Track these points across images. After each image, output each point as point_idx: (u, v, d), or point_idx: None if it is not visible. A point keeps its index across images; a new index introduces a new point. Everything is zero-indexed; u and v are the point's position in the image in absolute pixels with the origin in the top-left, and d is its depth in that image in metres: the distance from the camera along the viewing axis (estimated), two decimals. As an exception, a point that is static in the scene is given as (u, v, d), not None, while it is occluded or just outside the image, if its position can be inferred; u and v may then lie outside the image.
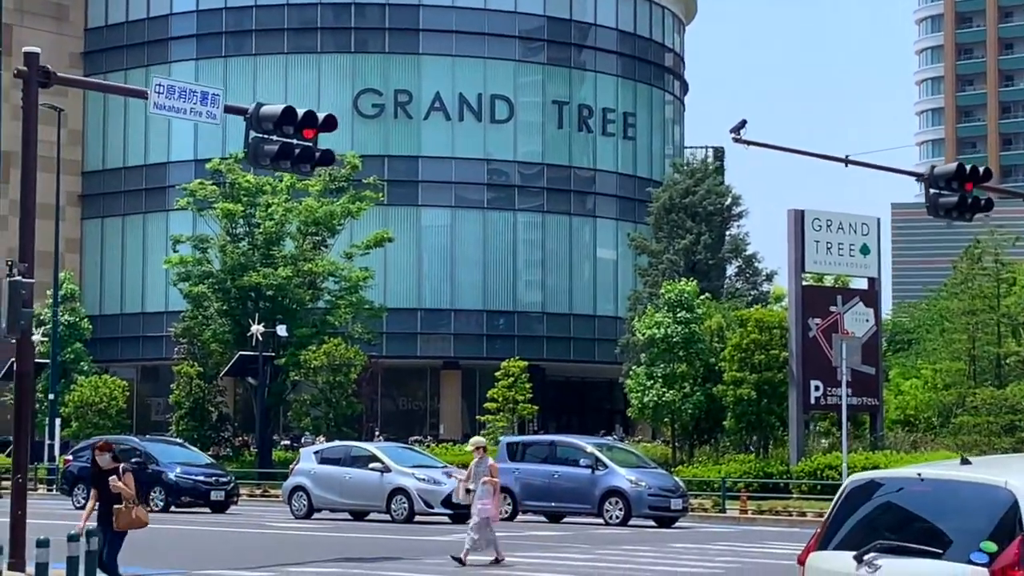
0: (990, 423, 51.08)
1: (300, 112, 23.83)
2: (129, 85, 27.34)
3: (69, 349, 62.32)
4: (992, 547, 8.63)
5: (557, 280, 70.97)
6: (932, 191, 27.78)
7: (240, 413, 63.65)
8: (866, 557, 9.09)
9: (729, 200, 65.00)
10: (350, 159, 58.72)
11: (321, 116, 24.21)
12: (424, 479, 35.41)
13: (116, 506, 17.41)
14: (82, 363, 62.79)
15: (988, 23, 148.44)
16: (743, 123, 30.43)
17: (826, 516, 9.89)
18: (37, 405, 56.83)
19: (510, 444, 39.07)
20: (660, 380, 50.09)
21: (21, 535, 21.23)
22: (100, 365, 64.88)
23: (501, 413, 55.66)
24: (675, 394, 49.58)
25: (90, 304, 70.19)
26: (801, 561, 9.71)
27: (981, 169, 27.77)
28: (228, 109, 24.80)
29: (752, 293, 62.15)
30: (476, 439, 25.99)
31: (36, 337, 58.66)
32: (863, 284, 47.23)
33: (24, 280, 21.61)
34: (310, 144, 24.07)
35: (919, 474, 9.72)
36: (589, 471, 35.81)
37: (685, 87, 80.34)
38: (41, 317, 58.27)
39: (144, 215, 71.11)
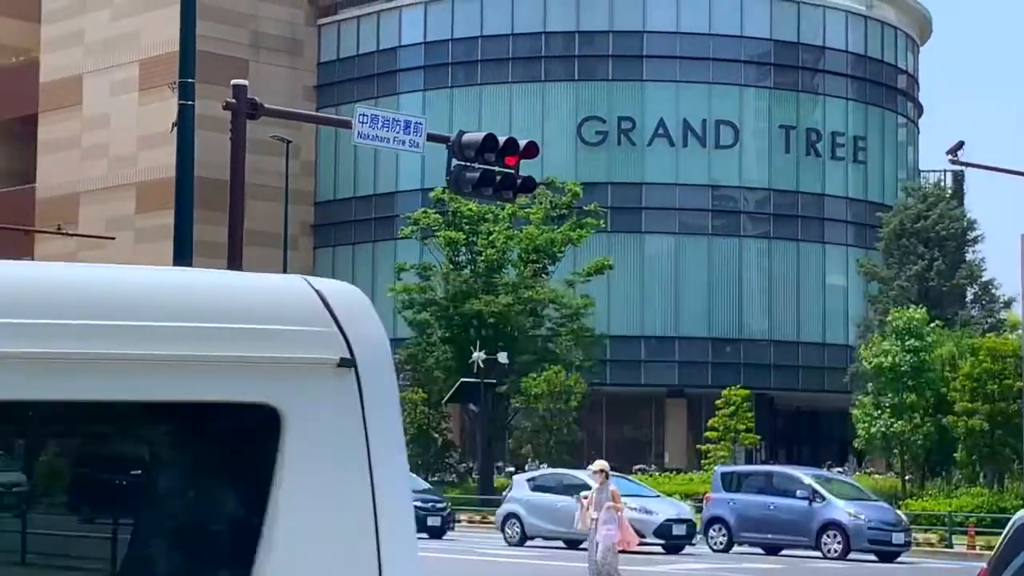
0: None
1: (501, 140, 23.93)
2: (333, 116, 27.67)
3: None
4: None
5: (784, 307, 69.91)
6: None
7: (465, 439, 63.93)
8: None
9: (964, 224, 63.43)
10: (571, 187, 58.97)
11: (522, 143, 24.26)
12: (637, 508, 35.09)
13: None
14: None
15: None
16: (960, 144, 29.70)
17: (993, 554, 9.48)
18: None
19: (724, 474, 38.64)
20: (888, 410, 49.10)
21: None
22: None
23: (722, 442, 55.00)
24: (904, 425, 48.56)
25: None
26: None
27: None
28: (431, 137, 25.05)
29: (988, 321, 60.41)
30: (598, 463, 25.48)
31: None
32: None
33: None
34: (511, 171, 24.13)
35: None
36: (806, 503, 35.20)
37: (920, 109, 78.67)
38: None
39: (373, 244, 72.13)
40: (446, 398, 56.37)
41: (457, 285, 56.44)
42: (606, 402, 67.73)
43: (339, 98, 72.84)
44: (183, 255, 19.77)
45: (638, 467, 61.67)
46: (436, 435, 58.15)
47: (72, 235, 65.15)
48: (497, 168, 23.93)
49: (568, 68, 70.32)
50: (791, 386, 69.74)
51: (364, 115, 24.22)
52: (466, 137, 24.05)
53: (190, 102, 18.24)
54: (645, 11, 70.03)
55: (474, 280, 56.43)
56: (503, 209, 56.29)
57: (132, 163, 68.11)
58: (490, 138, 23.88)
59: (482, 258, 56.48)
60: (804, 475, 37.11)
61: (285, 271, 58.35)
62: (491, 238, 56.21)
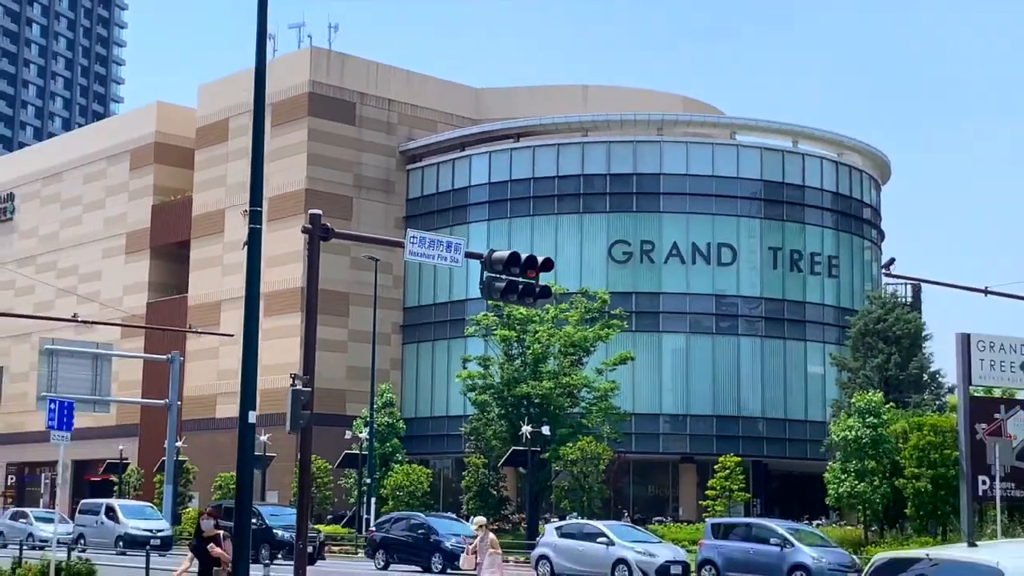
0: None
1: (523, 256, 23.95)
2: (392, 238, 27.61)
3: (388, 444, 63.45)
4: (985, 619, 7.91)
5: (774, 391, 69.51)
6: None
7: (517, 496, 63.49)
8: (879, 623, 8.44)
9: (917, 326, 62.87)
10: (601, 295, 59.31)
11: (540, 259, 24.25)
12: (642, 552, 34.81)
13: (216, 568, 15.89)
14: (397, 455, 63.74)
15: None
16: (892, 261, 29.65)
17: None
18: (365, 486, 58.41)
19: (714, 525, 38.18)
20: (852, 474, 48.56)
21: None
22: (412, 456, 65.78)
23: (719, 499, 54.52)
24: (865, 486, 47.94)
25: (407, 409, 71.58)
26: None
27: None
28: (468, 255, 25.11)
29: (936, 403, 59.71)
30: (478, 519, 25.14)
31: (363, 434, 60.42)
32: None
33: (303, 389, 21.99)
34: (532, 281, 24.11)
35: (927, 555, 9.02)
36: (779, 548, 34.80)
37: (882, 234, 78.29)
38: (366, 419, 60.08)
39: (448, 340, 72.29)
40: (501, 462, 56.37)
41: (510, 373, 56.70)
42: (632, 466, 67.33)
43: (423, 226, 73.07)
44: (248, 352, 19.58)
45: (657, 518, 61.39)
46: (494, 492, 57.97)
47: (214, 334, 66.06)
48: (520, 279, 23.91)
49: (601, 202, 70.60)
50: (780, 454, 69.31)
51: (414, 236, 24.27)
52: (495, 255, 24.14)
53: (258, 226, 18.30)
54: (662, 158, 70.54)
55: (523, 368, 56.69)
56: (547, 312, 56.59)
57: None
58: (514, 255, 23.96)
59: (530, 351, 56.75)
60: (777, 526, 36.70)
61: (373, 363, 58.92)
62: (537, 335, 56.54)
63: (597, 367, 57.90)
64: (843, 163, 74.04)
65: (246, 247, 18.53)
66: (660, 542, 37.38)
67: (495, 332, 57.28)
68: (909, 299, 70.10)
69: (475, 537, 22.12)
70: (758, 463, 68.17)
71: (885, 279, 69.56)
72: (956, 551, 8.96)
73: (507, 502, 60.47)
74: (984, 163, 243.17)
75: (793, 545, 34.63)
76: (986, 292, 30.21)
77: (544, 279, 24.52)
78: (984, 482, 40.31)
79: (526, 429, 53.75)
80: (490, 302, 55.66)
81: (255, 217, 18.29)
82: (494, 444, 56.77)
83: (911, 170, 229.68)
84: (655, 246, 69.32)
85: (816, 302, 71.21)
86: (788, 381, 69.99)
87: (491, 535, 22.19)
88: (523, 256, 24.05)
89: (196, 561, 15.58)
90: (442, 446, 69.41)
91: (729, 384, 69.04)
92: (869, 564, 9.35)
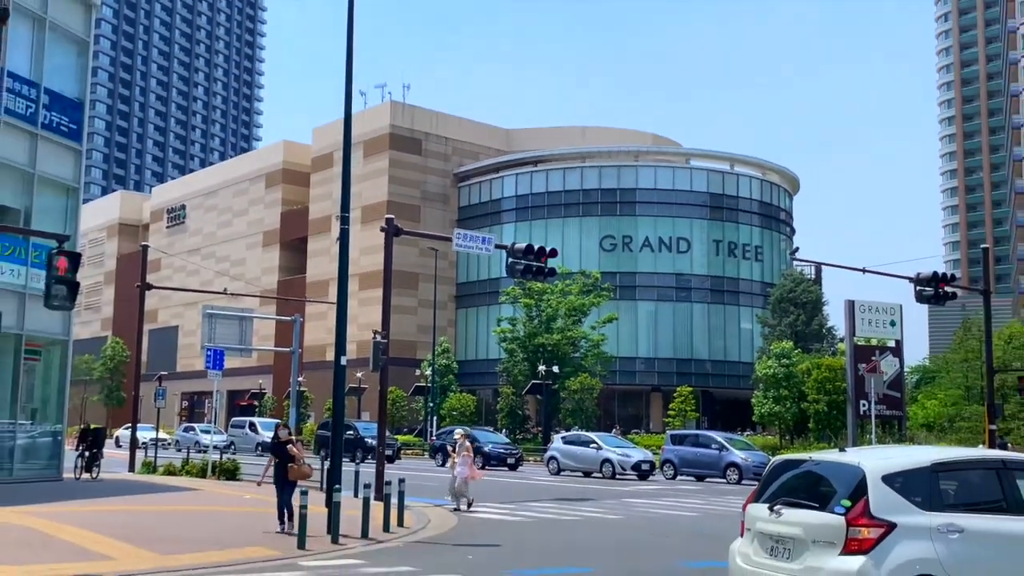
0: (975, 426, 47.50)
1: (536, 247, 23.81)
2: (443, 234, 27.63)
3: (445, 379, 63.45)
4: (848, 503, 7.84)
5: (717, 341, 69.08)
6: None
7: (537, 415, 63.41)
8: (774, 507, 8.35)
9: (817, 295, 62.25)
10: (595, 274, 58.83)
11: (548, 249, 24.08)
12: (621, 454, 34.65)
13: (290, 464, 15.48)
14: (452, 387, 63.78)
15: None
16: (796, 249, 29.59)
17: (760, 481, 9.12)
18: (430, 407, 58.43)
19: (672, 435, 37.93)
20: (771, 400, 48.16)
21: (380, 479, 21.52)
22: (464, 387, 65.72)
23: (677, 418, 54.25)
24: (780, 408, 47.57)
25: (460, 354, 71.54)
26: (743, 508, 8.96)
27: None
28: (497, 246, 24.92)
29: (831, 350, 59.09)
30: (458, 431, 24.49)
31: (428, 372, 60.49)
32: (892, 344, 44.52)
33: (381, 341, 22.02)
34: (542, 265, 23.93)
35: (810, 457, 8.91)
36: (718, 451, 34.52)
37: (793, 231, 77.52)
38: (430, 361, 60.09)
39: (488, 307, 72.03)
40: (524, 391, 56.25)
41: (530, 329, 56.41)
42: (616, 394, 67.06)
43: (470, 227, 72.13)
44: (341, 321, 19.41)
45: (634, 430, 61.02)
46: (520, 412, 57.94)
47: (323, 302, 66.19)
48: (534, 263, 23.76)
49: (595, 209, 70.11)
50: (722, 386, 68.78)
51: (459, 233, 24.16)
52: (516, 246, 23.98)
53: (347, 227, 18.28)
54: (637, 177, 70.02)
55: (539, 326, 56.34)
56: (556, 286, 56.23)
57: (356, 263, 68.40)
58: (529, 247, 23.82)
59: (544, 314, 56.39)
60: (717, 436, 36.42)
61: (435, 322, 58.79)
62: (549, 303, 56.14)
63: (591, 325, 57.60)
64: (766, 180, 73.26)
65: (338, 241, 18.50)
66: (635, 447, 37.15)
67: (520, 300, 57.01)
68: (813, 276, 69.34)
69: (455, 443, 21.88)
70: (706, 392, 67.65)
71: (794, 262, 68.95)
72: (831, 455, 8.86)
73: (528, 420, 60.42)
74: (867, 176, 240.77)
75: (728, 449, 34.42)
76: (864, 271, 29.75)
77: (552, 263, 24.21)
78: (864, 405, 40.06)
79: (541, 368, 53.58)
80: (516, 280, 55.72)
81: (344, 221, 18.26)
82: (520, 379, 56.67)
83: (816, 182, 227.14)
84: (633, 239, 68.84)
85: (747, 278, 70.57)
86: (727, 334, 69.47)
87: (467, 443, 21.86)
88: (535, 247, 23.89)
89: (275, 459, 15.81)
90: (484, 381, 69.35)
91: (685, 336, 68.59)
92: (769, 464, 9.26)
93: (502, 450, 39.23)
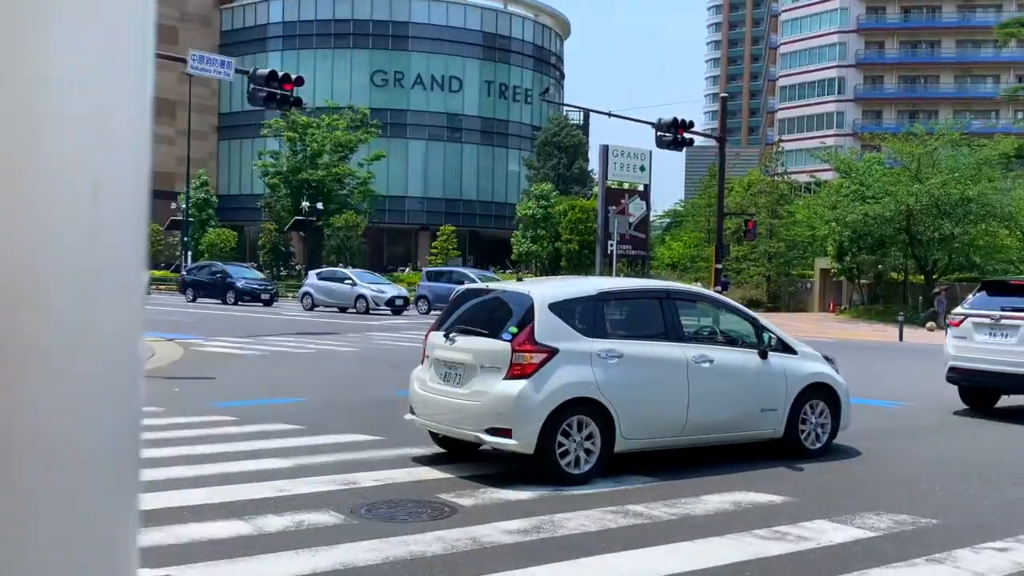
0: (711, 265, 50.89)
1: (280, 74, 22.58)
2: (177, 55, 25.07)
3: (204, 212, 60.96)
4: (515, 330, 7.96)
5: (486, 182, 69.89)
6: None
7: (303, 253, 62.55)
8: (449, 334, 8.39)
9: (579, 140, 63.73)
10: (363, 110, 57.27)
11: (295, 77, 22.88)
12: (376, 290, 34.66)
13: None
14: (211, 221, 61.39)
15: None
16: (547, 89, 29.68)
17: (443, 310, 9.17)
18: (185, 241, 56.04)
19: (427, 272, 38.38)
20: (529, 239, 49.56)
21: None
22: (227, 223, 63.40)
23: (439, 257, 54.87)
24: (537, 247, 49.11)
25: (222, 188, 68.78)
26: (426, 336, 8.98)
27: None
28: (238, 71, 23.51)
29: (590, 193, 61.06)
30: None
31: (184, 206, 57.80)
32: (641, 188, 46.41)
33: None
34: (288, 93, 22.73)
35: (488, 286, 9.03)
36: (461, 284, 35.15)
37: (563, 75, 78.44)
38: (189, 195, 57.39)
39: (252, 140, 68.76)
40: (287, 228, 54.78)
41: (294, 164, 54.50)
42: (386, 233, 66.89)
43: (233, 54, 68.39)
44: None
45: (401, 268, 61.28)
46: (283, 249, 56.59)
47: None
48: (278, 91, 22.53)
49: (366, 41, 67.87)
50: (488, 226, 69.93)
51: (195, 55, 22.51)
52: (259, 72, 22.68)
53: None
54: (411, 10, 67.91)
55: (304, 161, 54.51)
56: (323, 120, 54.46)
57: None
58: (272, 73, 22.57)
59: (309, 149, 54.49)
60: (469, 272, 36.94)
61: (189, 152, 55.74)
62: (314, 137, 54.23)
63: (359, 162, 56.41)
64: (539, 22, 73.10)
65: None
66: (390, 283, 37.19)
67: (283, 134, 54.76)
68: (581, 122, 70.69)
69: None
70: (474, 232, 68.72)
71: (564, 107, 70.04)
72: (508, 284, 8.99)
73: (293, 257, 59.24)
74: (637, 26, 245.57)
75: (475, 281, 35.08)
76: (609, 115, 30.45)
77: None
78: (611, 245, 41.82)
79: (305, 204, 52.29)
80: (283, 112, 53.37)
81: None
82: (283, 215, 55.10)
83: (588, 28, 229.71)
84: (405, 76, 67.43)
85: (516, 121, 71.15)
86: (495, 175, 70.30)
87: None
88: (280, 74, 22.63)
89: None
90: (248, 216, 67.22)
91: (455, 176, 68.86)
92: (453, 293, 9.29)
93: (256, 286, 38.27)
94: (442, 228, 56.03)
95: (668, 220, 79.41)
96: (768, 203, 51.74)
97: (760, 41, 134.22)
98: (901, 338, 28.93)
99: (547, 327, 7.95)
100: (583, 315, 8.17)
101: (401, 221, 68.14)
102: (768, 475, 8.50)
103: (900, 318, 30.68)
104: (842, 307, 46.86)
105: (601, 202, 43.46)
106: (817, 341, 29.23)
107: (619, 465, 8.40)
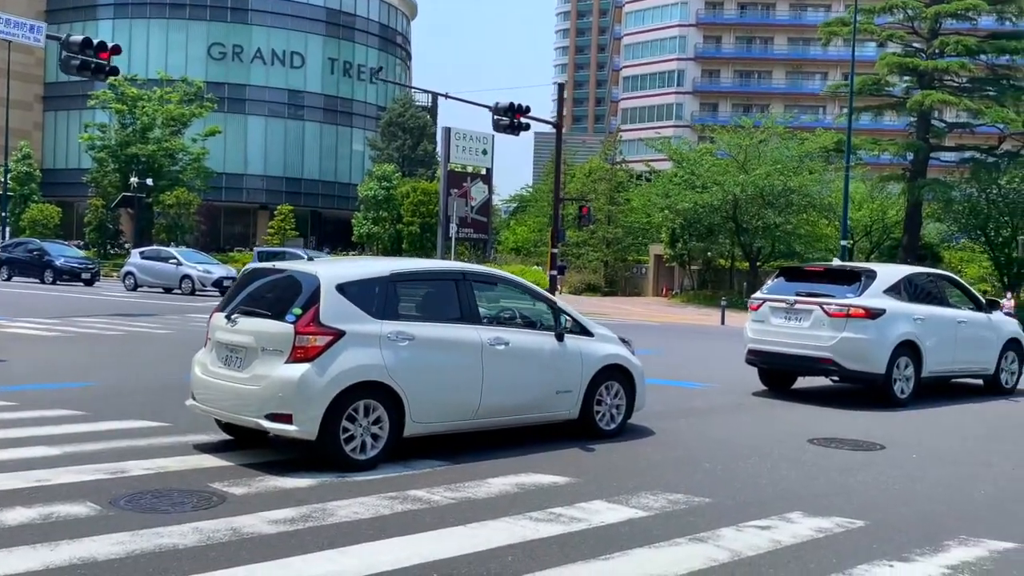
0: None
1: (95, 41, 21.31)
2: None
3: (26, 187, 57.49)
4: (299, 311, 7.67)
5: (329, 161, 68.59)
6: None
7: (132, 231, 59.82)
8: (232, 316, 8.03)
9: (425, 121, 63.33)
10: (197, 83, 55.14)
11: (111, 45, 21.64)
12: (203, 270, 33.44)
13: None
14: (34, 196, 57.95)
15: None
16: (379, 68, 29.28)
17: (229, 290, 8.77)
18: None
19: (259, 252, 37.32)
20: (371, 221, 48.93)
21: None
22: (52, 198, 60.02)
23: (275, 237, 53.61)
24: (379, 229, 48.54)
25: (47, 162, 65.08)
26: (210, 317, 8.57)
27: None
28: (49, 37, 22.09)
29: (433, 175, 60.81)
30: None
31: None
32: (484, 172, 46.51)
33: None
34: (103, 62, 21.48)
35: (274, 265, 8.70)
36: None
37: (409, 56, 77.75)
38: (8, 168, 53.99)
39: (80, 111, 65.25)
40: (114, 204, 52.19)
41: (123, 137, 51.93)
42: (223, 211, 64.84)
43: (61, 20, 65.24)
44: None
45: (238, 248, 59.51)
46: (110, 226, 53.97)
47: None
48: (93, 60, 21.25)
49: (203, 12, 65.40)
50: (331, 206, 68.85)
51: (0, 18, 20.95)
52: (72, 38, 21.33)
53: None
54: (254, -19, 65.98)
55: (133, 135, 52.02)
56: (155, 93, 52.14)
57: None
58: (87, 40, 21.30)
59: (139, 122, 52.01)
60: (301, 252, 36.19)
61: (7, 123, 52.34)
62: (146, 110, 51.83)
63: (193, 137, 54.31)
64: (384, 1, 72.19)
65: None
66: (219, 264, 35.95)
67: (111, 106, 52.09)
68: (429, 104, 70.25)
69: None
70: (316, 212, 67.49)
71: (410, 89, 69.44)
72: (296, 264, 8.70)
73: (121, 235, 56.61)
74: (487, 10, 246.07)
75: (303, 258, 34.40)
76: (446, 96, 30.28)
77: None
78: (453, 228, 41.78)
79: (134, 180, 49.93)
80: (108, 82, 50.83)
81: None
82: (110, 191, 52.47)
83: (438, 12, 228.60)
84: (244, 50, 65.36)
85: (361, 100, 70.14)
86: (338, 155, 69.16)
87: None
88: (96, 41, 21.36)
89: None
90: (74, 192, 63.79)
91: (296, 155, 67.36)
92: (239, 273, 8.92)
93: (76, 264, 36.38)
94: (279, 208, 54.68)
95: (515, 205, 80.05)
96: (607, 190, 52.81)
97: (607, 31, 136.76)
98: (723, 322, 30.01)
99: (334, 308, 7.69)
100: (374, 296, 7.95)
101: (239, 200, 66.17)
102: (559, 456, 8.52)
103: (723, 303, 31.81)
104: (674, 292, 48.35)
105: (443, 185, 43.32)
106: (645, 325, 30.08)
107: (412, 449, 8.26)
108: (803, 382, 14.22)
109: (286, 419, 7.48)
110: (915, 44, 45.61)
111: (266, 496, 6.80)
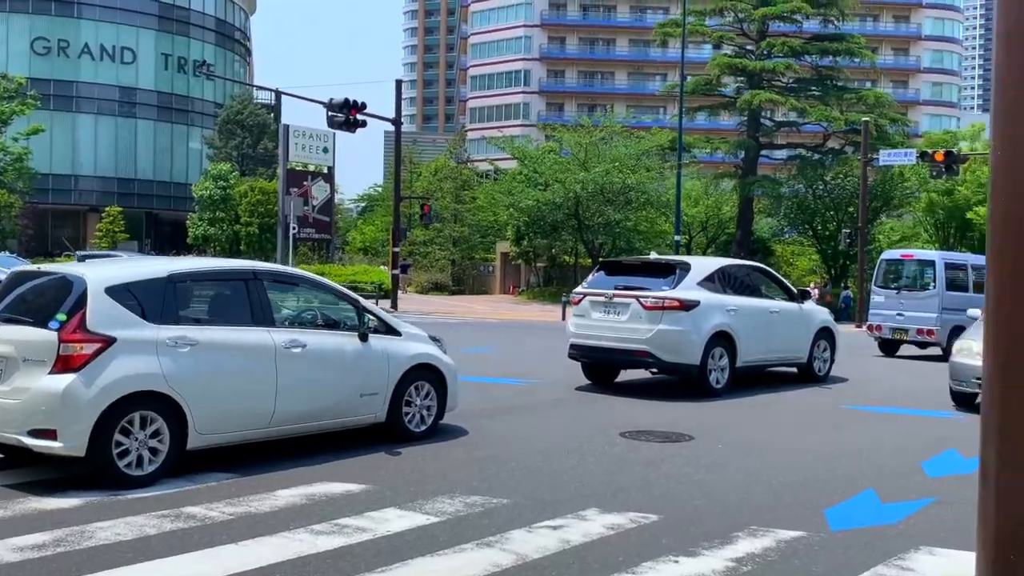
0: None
1: None
2: None
3: None
4: (63, 318, 7.03)
5: (164, 161, 65.62)
6: None
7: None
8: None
9: (264, 119, 61.59)
10: (18, 79, 51.79)
11: None
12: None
13: None
14: None
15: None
16: (203, 63, 28.16)
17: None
18: None
19: (81, 257, 35.02)
20: (207, 221, 47.20)
21: None
22: None
23: (104, 239, 51.05)
24: (216, 230, 46.87)
25: None
26: None
27: None
28: None
29: (271, 172, 59.19)
30: None
31: None
32: (325, 170, 45.53)
33: None
34: None
35: (41, 268, 8.03)
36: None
37: (249, 52, 75.48)
38: None
39: None
40: (-76, 207, 48.37)
41: (-68, 135, 48.24)
42: (50, 214, 61.28)
43: None
44: None
45: (66, 252, 56.21)
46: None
47: None
48: None
49: (25, 5, 61.59)
50: (168, 207, 66.00)
51: None
52: None
53: None
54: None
55: (-55, 133, 48.41)
56: (-30, 89, 48.72)
57: None
58: None
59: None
60: (130, 254, 34.22)
61: None
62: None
63: (14, 136, 50.95)
64: (222, -6, 69.96)
65: None
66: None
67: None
68: (272, 102, 68.47)
69: None
70: (151, 213, 64.67)
71: (247, 86, 67.39)
72: (64, 266, 8.09)
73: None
74: (332, 10, 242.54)
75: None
76: (277, 91, 29.44)
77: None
78: (294, 227, 40.65)
79: (-54, 181, 46.51)
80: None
81: None
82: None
83: (282, 9, 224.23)
84: (71, 44, 61.95)
85: (198, 97, 67.57)
86: (174, 154, 66.40)
87: None
88: None
89: None
90: None
91: (129, 154, 64.29)
92: (8, 274, 8.16)
93: None
94: (108, 209, 52.05)
95: (363, 204, 79.06)
96: (453, 189, 52.66)
97: (455, 31, 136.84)
98: (564, 318, 30.22)
99: (103, 314, 7.09)
100: (150, 300, 7.38)
101: (68, 201, 62.71)
102: (361, 463, 8.16)
103: (564, 299, 32.07)
104: (520, 289, 48.62)
105: (282, 184, 42.14)
106: (486, 323, 29.97)
107: (201, 461, 7.74)
108: (626, 375, 14.30)
109: (50, 435, 6.85)
110: (747, 46, 47.32)
111: (21, 520, 6.18)
